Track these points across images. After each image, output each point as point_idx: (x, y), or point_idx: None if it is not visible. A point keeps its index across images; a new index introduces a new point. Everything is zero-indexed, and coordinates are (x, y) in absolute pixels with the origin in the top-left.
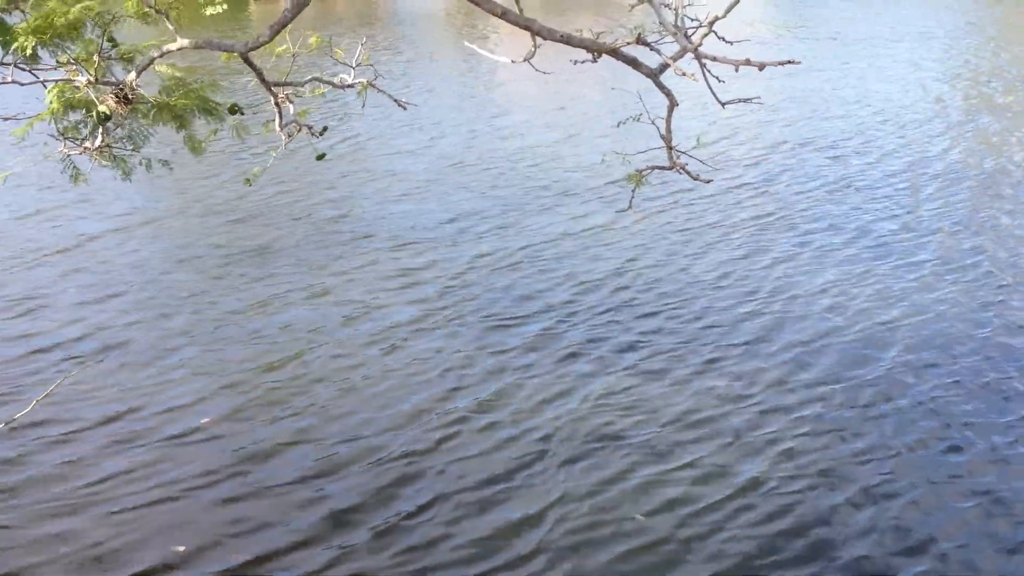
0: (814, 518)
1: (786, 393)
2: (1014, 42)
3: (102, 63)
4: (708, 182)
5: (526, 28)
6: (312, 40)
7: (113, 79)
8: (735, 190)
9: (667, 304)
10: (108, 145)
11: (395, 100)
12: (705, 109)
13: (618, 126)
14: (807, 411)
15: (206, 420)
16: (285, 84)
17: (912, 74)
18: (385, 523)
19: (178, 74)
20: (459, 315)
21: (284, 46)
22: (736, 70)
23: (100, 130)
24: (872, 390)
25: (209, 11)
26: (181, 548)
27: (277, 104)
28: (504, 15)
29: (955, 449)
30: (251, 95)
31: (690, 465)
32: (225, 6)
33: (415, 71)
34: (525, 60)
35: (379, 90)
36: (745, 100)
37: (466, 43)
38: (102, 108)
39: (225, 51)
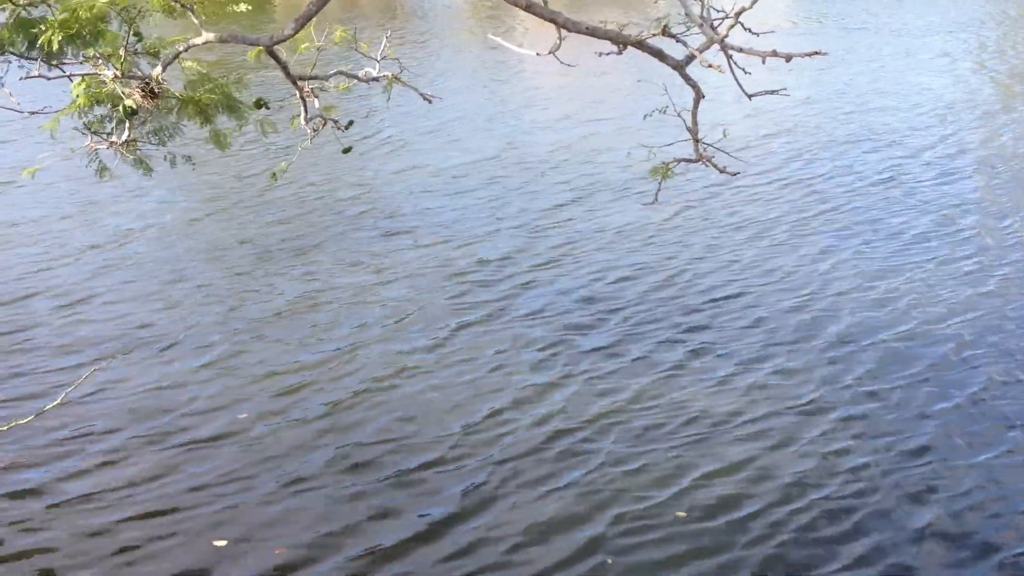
0: (862, 521)
1: (832, 392)
2: None
3: (128, 57)
4: (735, 175)
5: (551, 21)
6: (337, 34)
7: (139, 73)
8: (763, 184)
9: (704, 300)
10: (134, 140)
11: (421, 94)
12: (732, 101)
13: (644, 119)
14: (853, 411)
15: (243, 416)
16: (310, 78)
17: (942, 64)
18: (425, 522)
19: (203, 69)
20: (499, 311)
21: (307, 42)
22: (763, 61)
23: (127, 124)
24: (919, 388)
25: (233, 8)
26: (222, 543)
27: (302, 98)
28: (529, 8)
29: (1009, 451)
30: (277, 89)
31: (735, 465)
32: (249, 6)
33: (440, 65)
34: (550, 53)
35: (404, 84)
36: (772, 92)
37: (491, 36)
38: (129, 102)
39: (250, 45)
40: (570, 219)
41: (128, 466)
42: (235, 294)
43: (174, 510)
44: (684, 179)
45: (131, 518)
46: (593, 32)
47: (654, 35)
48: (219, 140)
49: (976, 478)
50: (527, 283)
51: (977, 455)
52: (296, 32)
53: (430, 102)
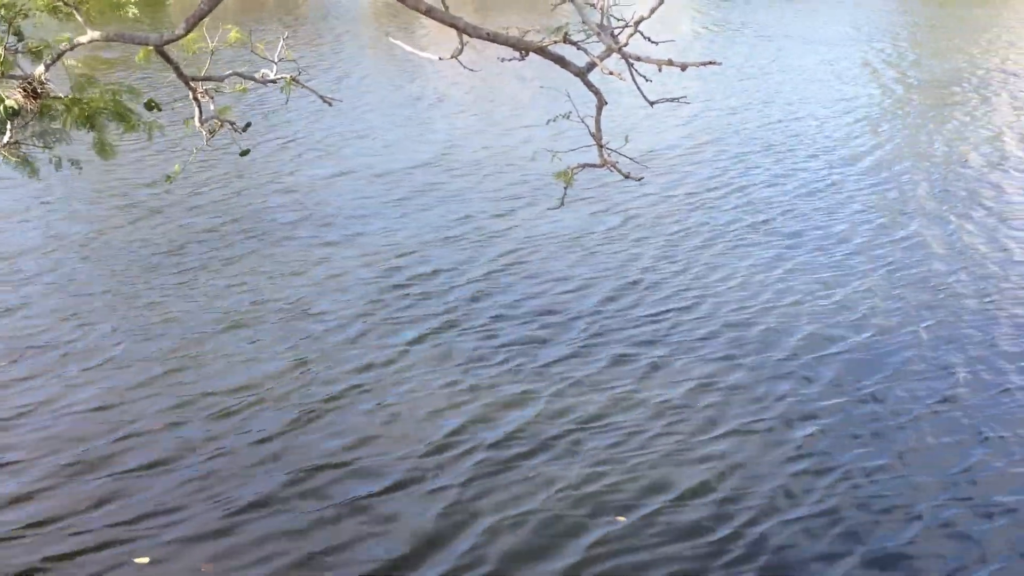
0: (817, 529)
1: (777, 401)
2: (939, 41)
3: (9, 57)
4: (639, 180)
5: (452, 26)
6: (232, 34)
7: (20, 73)
8: (666, 187)
9: (604, 302)
10: (17, 143)
11: (321, 96)
12: (641, 107)
13: (548, 124)
14: (801, 421)
15: (177, 439)
16: (204, 79)
17: (836, 71)
18: (377, 547)
19: (89, 72)
20: (390, 315)
21: (201, 42)
22: (660, 70)
23: (8, 126)
24: (822, 384)
25: (123, 11)
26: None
27: (196, 99)
28: (429, 12)
29: (957, 453)
30: (171, 90)
31: (688, 475)
32: (136, 12)
33: (341, 67)
34: (452, 57)
35: (303, 86)
36: (673, 99)
37: (390, 39)
38: (9, 102)
39: (139, 44)
40: (464, 222)
41: (47, 498)
42: (121, 298)
43: (98, 538)
44: (582, 184)
45: (53, 557)
46: (494, 38)
47: (555, 42)
48: (104, 150)
49: (933, 486)
50: (459, 293)
51: (932, 461)
52: (188, 32)
53: (331, 104)
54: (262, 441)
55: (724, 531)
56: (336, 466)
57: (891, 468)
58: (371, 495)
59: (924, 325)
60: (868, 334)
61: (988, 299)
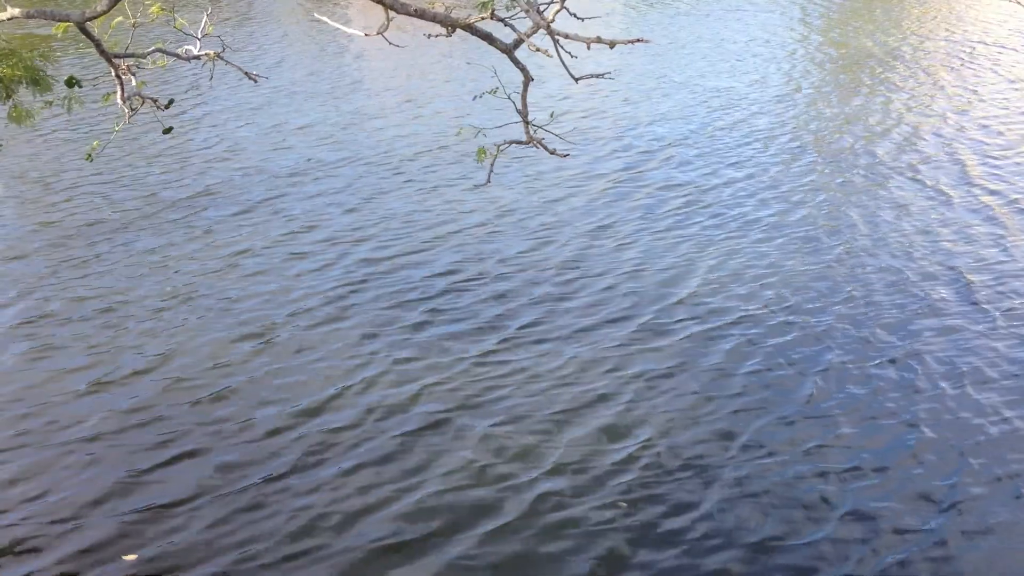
0: (687, 501)
1: (629, 364)
2: (862, 21)
3: None
4: (565, 156)
5: (378, 2)
6: (153, 8)
7: None
8: (592, 163)
9: (528, 279)
10: None
11: (246, 73)
12: (563, 84)
13: (474, 100)
14: (692, 397)
15: (78, 423)
16: (126, 56)
17: (762, 47)
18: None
19: (8, 45)
20: (309, 292)
21: (119, 17)
22: (588, 47)
23: None
24: (719, 355)
25: None
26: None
27: (118, 76)
28: None
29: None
30: (92, 67)
31: (574, 449)
32: None
33: (266, 44)
34: (379, 33)
35: (227, 62)
36: (598, 76)
37: (316, 15)
38: None
39: (60, 20)
40: (390, 199)
41: None
42: (41, 278)
43: None
44: (508, 159)
45: None
46: (421, 14)
47: (482, 19)
48: (20, 115)
49: (839, 462)
50: (340, 264)
51: (830, 439)
52: (111, 7)
53: (255, 81)
54: (160, 420)
55: (630, 494)
56: (264, 454)
57: (809, 449)
58: (280, 483)
59: (837, 296)
60: (783, 306)
61: (900, 273)
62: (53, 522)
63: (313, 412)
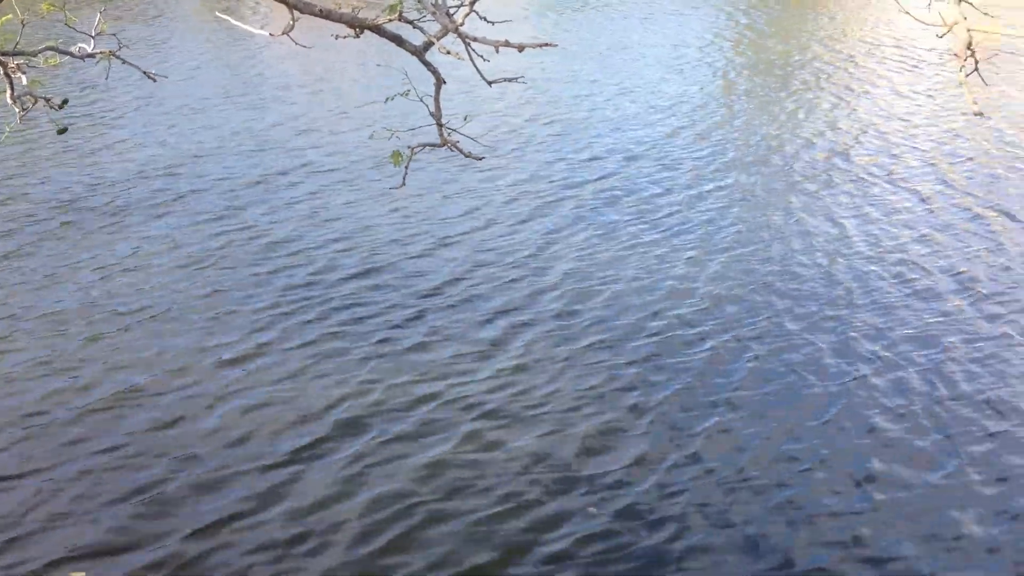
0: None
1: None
2: (781, 25)
3: None
4: (480, 159)
5: (283, 2)
6: (44, 6)
7: None
8: (507, 165)
9: (445, 281)
10: None
11: (144, 72)
12: (477, 87)
13: (387, 102)
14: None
15: None
16: (15, 53)
17: (674, 49)
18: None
19: None
20: (211, 290)
21: (8, 15)
22: (496, 51)
23: None
24: (643, 354)
25: None
26: None
27: (7, 74)
28: None
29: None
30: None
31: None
32: None
33: (168, 43)
34: (284, 34)
35: (124, 61)
36: (511, 80)
37: (218, 14)
38: None
39: None
40: (298, 202)
41: None
42: None
43: None
44: (422, 161)
45: None
46: (327, 15)
47: (389, 20)
48: None
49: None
50: (241, 268)
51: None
52: None
53: (154, 80)
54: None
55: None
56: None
57: (751, 439)
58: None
59: (748, 294)
60: (696, 303)
61: (833, 274)
62: None
63: (213, 417)
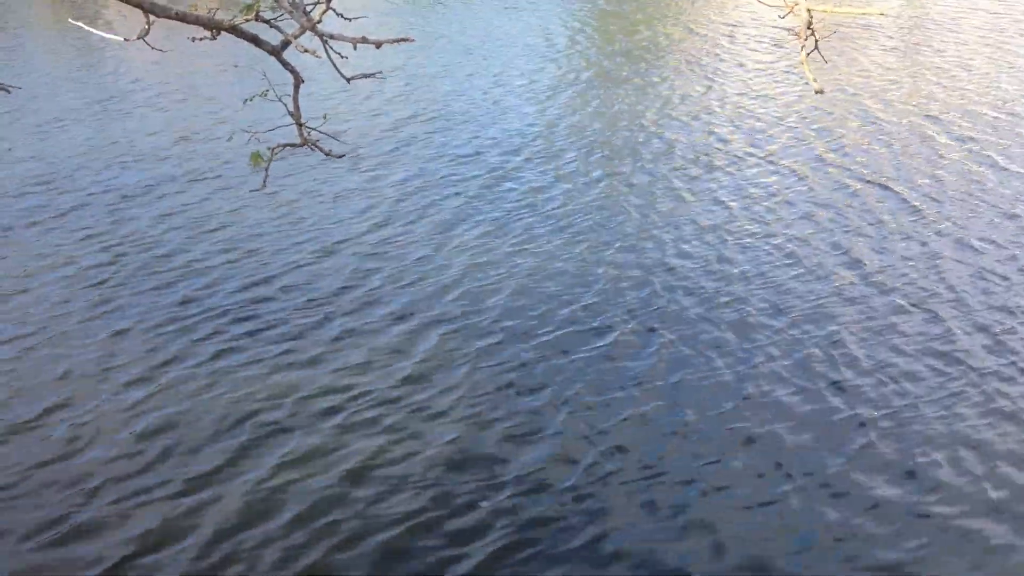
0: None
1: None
2: (645, 13)
3: None
4: (340, 157)
5: (137, 6)
6: None
7: None
8: (369, 161)
9: (343, 286)
10: None
11: None
12: (336, 85)
13: (244, 104)
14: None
15: None
16: None
17: (536, 39)
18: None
19: None
20: (104, 308)
21: None
22: (354, 47)
23: None
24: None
25: None
26: None
27: None
28: None
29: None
30: None
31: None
32: None
33: (19, 53)
34: (139, 38)
35: None
36: (369, 75)
37: (71, 20)
38: None
39: None
40: (157, 208)
41: None
42: None
43: None
44: (284, 161)
45: None
46: (183, 17)
47: (248, 20)
48: None
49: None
50: (158, 281)
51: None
52: None
53: (8, 91)
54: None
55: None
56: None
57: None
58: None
59: (646, 280)
60: (597, 292)
61: (717, 254)
62: None
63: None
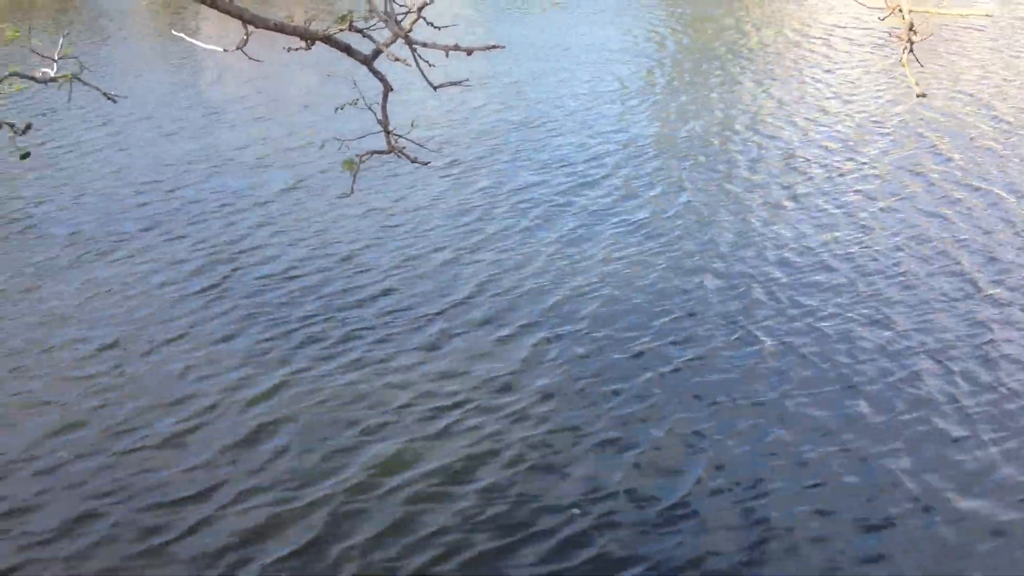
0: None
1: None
2: (718, 26)
3: None
4: (427, 164)
5: (238, 17)
6: (8, 33)
7: None
8: (454, 170)
9: (399, 285)
10: None
11: (104, 93)
12: (424, 93)
13: (336, 112)
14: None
15: None
16: None
17: (619, 48)
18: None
19: None
20: (192, 317)
21: None
22: (446, 55)
23: None
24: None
25: None
26: None
27: None
28: (214, 3)
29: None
30: None
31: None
32: None
33: (124, 64)
34: (238, 48)
35: (85, 83)
36: (456, 83)
37: (174, 31)
38: None
39: None
40: (255, 216)
41: None
42: None
43: None
44: (372, 168)
45: None
46: (280, 28)
47: (341, 30)
48: None
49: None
50: (253, 288)
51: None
52: None
53: (115, 101)
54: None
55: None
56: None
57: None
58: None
59: (745, 293)
60: (660, 300)
61: (843, 260)
62: None
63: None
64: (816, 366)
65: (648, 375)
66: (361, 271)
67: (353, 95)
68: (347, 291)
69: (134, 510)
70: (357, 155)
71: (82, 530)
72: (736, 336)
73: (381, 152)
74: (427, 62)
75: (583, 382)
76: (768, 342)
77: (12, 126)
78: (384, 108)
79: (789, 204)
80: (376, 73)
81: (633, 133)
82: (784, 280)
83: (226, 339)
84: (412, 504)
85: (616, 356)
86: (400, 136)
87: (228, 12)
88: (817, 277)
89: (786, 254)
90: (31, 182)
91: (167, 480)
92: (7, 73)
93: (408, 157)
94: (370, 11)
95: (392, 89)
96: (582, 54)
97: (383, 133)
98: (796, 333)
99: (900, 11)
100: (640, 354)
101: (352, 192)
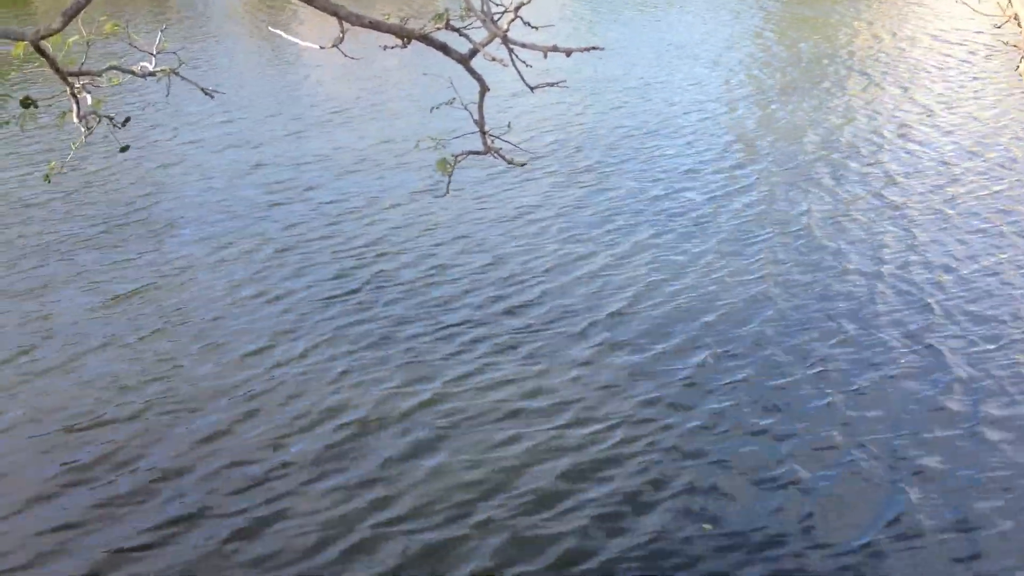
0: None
1: (603, 374)
2: (812, 31)
3: None
4: (522, 164)
5: (333, 14)
6: (108, 26)
7: None
8: (550, 172)
9: (493, 287)
10: None
11: (201, 88)
12: (519, 93)
13: (431, 111)
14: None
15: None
16: (81, 73)
17: (715, 52)
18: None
19: None
20: (281, 306)
21: (75, 36)
22: (545, 56)
23: None
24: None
25: None
26: None
27: (73, 94)
28: (310, 0)
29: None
30: (48, 86)
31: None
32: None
33: (220, 59)
34: (333, 46)
35: (183, 78)
36: (553, 84)
37: (270, 28)
38: None
39: (15, 39)
40: (353, 213)
41: None
42: (45, 302)
43: None
44: (467, 168)
45: None
46: (376, 25)
47: (437, 29)
48: None
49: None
50: (302, 281)
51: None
52: (64, 25)
53: (211, 96)
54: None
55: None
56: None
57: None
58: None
59: (827, 307)
60: (771, 310)
61: (862, 283)
62: None
63: (292, 425)
64: (932, 385)
65: (830, 398)
66: (508, 278)
67: (449, 95)
68: (496, 299)
69: (295, 528)
70: (453, 154)
71: (250, 540)
72: (917, 351)
73: (477, 152)
74: (524, 62)
75: (752, 408)
76: (953, 361)
77: (112, 119)
78: (480, 108)
79: (936, 216)
80: (472, 73)
81: (730, 138)
82: (961, 294)
83: (374, 346)
84: (511, 507)
85: (790, 376)
86: (496, 136)
87: (324, 9)
88: (926, 297)
89: (954, 264)
90: (159, 180)
91: (325, 492)
92: (106, 66)
93: (503, 158)
94: (467, 10)
95: (488, 89)
96: (680, 56)
97: (479, 133)
98: (982, 355)
99: (1016, 19)
100: (818, 374)
101: (448, 192)
